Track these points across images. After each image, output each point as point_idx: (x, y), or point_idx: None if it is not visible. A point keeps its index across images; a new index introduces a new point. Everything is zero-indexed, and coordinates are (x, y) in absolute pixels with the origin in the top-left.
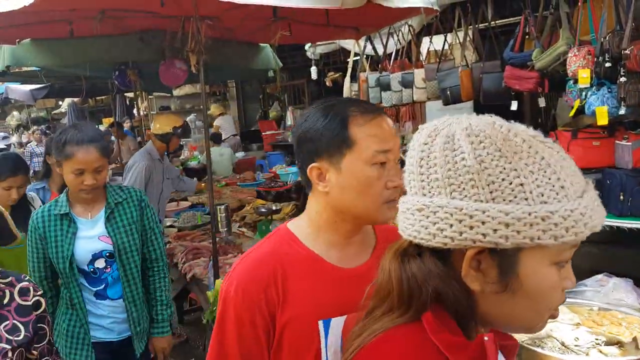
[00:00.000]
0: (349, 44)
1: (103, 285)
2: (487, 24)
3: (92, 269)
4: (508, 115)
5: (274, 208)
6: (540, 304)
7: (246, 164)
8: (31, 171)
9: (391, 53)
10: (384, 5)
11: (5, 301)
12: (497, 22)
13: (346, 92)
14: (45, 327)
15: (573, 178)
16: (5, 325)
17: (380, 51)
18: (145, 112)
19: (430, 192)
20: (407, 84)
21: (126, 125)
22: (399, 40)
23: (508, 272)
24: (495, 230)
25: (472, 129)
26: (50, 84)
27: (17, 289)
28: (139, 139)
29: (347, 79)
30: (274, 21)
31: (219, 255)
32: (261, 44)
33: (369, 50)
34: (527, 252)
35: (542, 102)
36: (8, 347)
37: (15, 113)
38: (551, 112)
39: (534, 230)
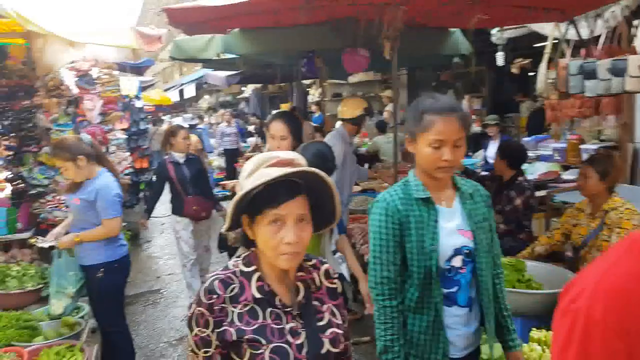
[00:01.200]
0: (543, 27)
1: (456, 288)
2: None
3: (448, 267)
4: None
5: None
6: None
7: None
8: (222, 149)
9: (597, 37)
10: None
11: (318, 284)
12: None
13: (541, 81)
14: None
15: None
16: (327, 309)
17: (585, 34)
18: (319, 99)
19: None
20: (618, 71)
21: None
22: (607, 22)
23: None
24: None
25: None
26: (242, 71)
27: (322, 271)
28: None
29: (543, 65)
30: (472, 4)
31: None
32: (451, 29)
33: (570, 34)
34: None
35: None
36: (340, 332)
37: (206, 96)
38: None
39: None
